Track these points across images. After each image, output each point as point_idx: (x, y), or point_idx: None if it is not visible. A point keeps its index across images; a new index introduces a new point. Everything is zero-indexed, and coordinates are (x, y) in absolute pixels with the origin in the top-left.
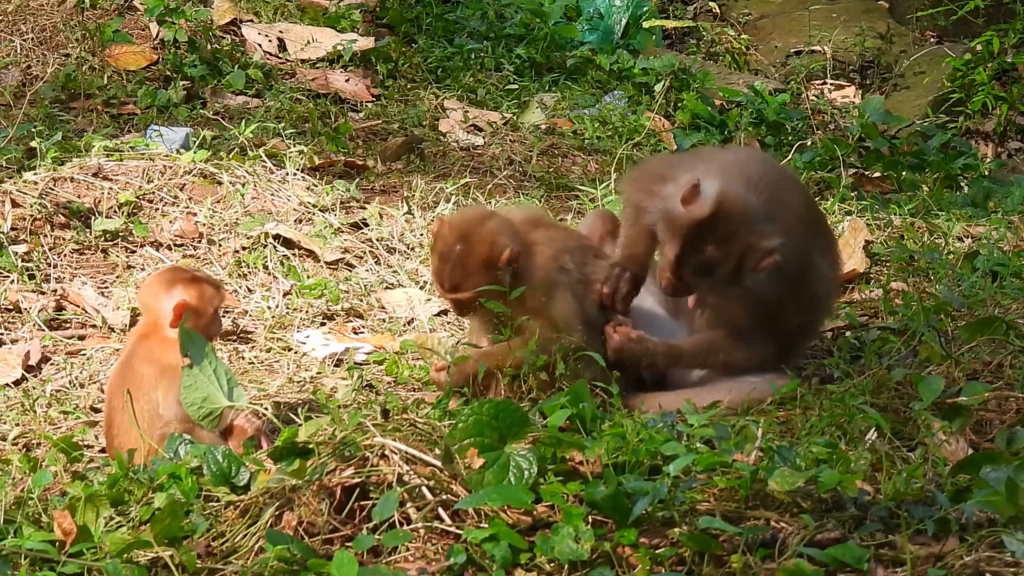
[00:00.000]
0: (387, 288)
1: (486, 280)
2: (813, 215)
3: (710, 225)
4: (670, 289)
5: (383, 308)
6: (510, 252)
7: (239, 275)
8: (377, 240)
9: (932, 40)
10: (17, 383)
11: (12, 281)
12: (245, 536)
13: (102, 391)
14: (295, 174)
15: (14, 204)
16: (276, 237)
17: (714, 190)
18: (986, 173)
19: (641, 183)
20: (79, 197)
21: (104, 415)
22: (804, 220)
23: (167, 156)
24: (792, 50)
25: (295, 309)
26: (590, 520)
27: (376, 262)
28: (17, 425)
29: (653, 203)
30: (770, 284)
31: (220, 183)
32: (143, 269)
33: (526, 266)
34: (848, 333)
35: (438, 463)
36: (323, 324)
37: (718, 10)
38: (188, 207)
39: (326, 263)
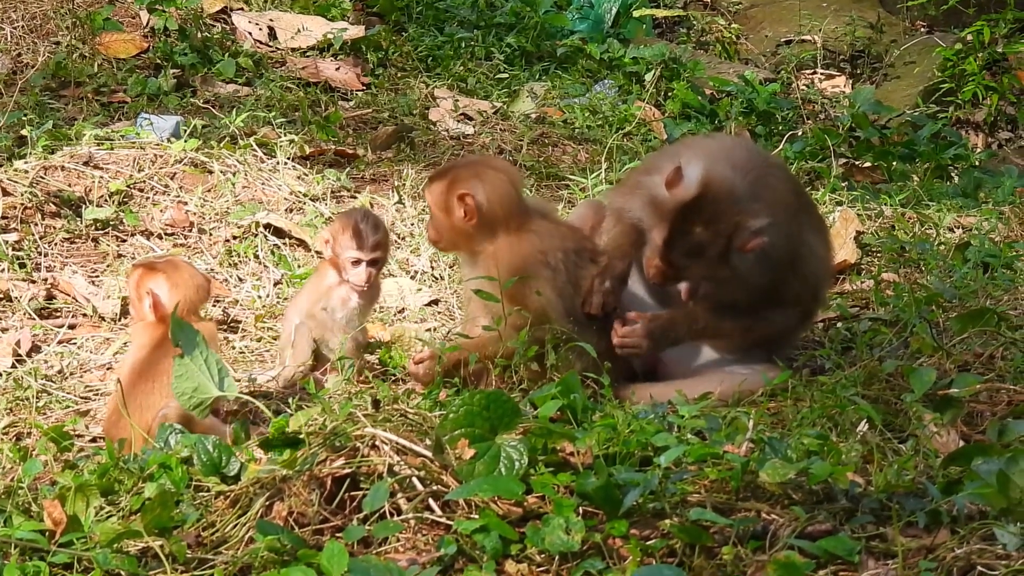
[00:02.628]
0: None
1: (439, 206)
2: (801, 199)
3: (696, 206)
4: (659, 277)
5: None
6: (464, 193)
7: (230, 264)
8: None
9: (923, 30)
10: (7, 372)
11: (3, 270)
12: (235, 526)
13: (98, 379)
14: (285, 163)
15: (5, 192)
16: (267, 226)
17: (698, 172)
18: (976, 163)
19: (624, 187)
20: (70, 186)
21: (113, 401)
22: (792, 203)
23: (158, 145)
24: (783, 39)
25: (286, 299)
26: (581, 511)
27: None
28: (8, 413)
29: (637, 198)
30: (761, 269)
31: (211, 172)
32: (133, 258)
33: (506, 250)
34: (839, 324)
35: (429, 454)
36: None
37: None
38: (179, 196)
39: (316, 252)
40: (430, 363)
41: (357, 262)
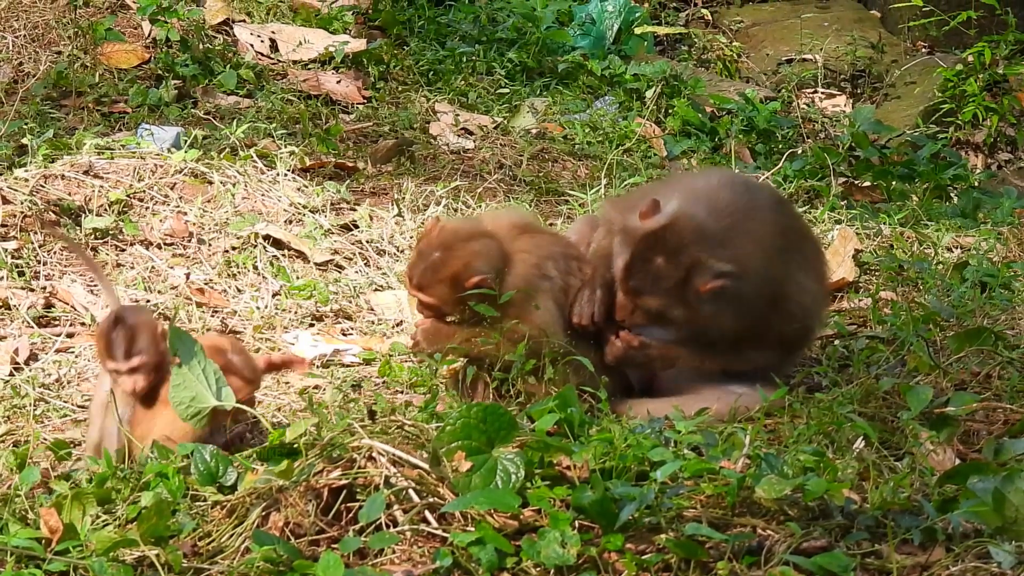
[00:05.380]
0: (376, 290)
1: (450, 293)
2: (790, 239)
3: (660, 237)
4: (624, 315)
5: (372, 310)
6: (479, 280)
7: (228, 275)
8: (367, 242)
9: (923, 50)
10: (5, 380)
11: (1, 278)
12: (231, 536)
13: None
14: (286, 175)
15: (5, 201)
16: (266, 237)
17: (672, 208)
18: (976, 184)
19: (619, 205)
20: (70, 195)
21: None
22: (775, 248)
23: (158, 155)
24: (783, 58)
25: (284, 310)
26: (577, 525)
27: (366, 264)
28: (5, 421)
29: (620, 222)
30: (732, 315)
31: (211, 183)
32: (132, 267)
33: (507, 275)
34: (836, 342)
35: (425, 466)
36: (312, 325)
37: (710, 17)
38: (178, 206)
39: (315, 264)
40: (431, 326)
41: (115, 372)
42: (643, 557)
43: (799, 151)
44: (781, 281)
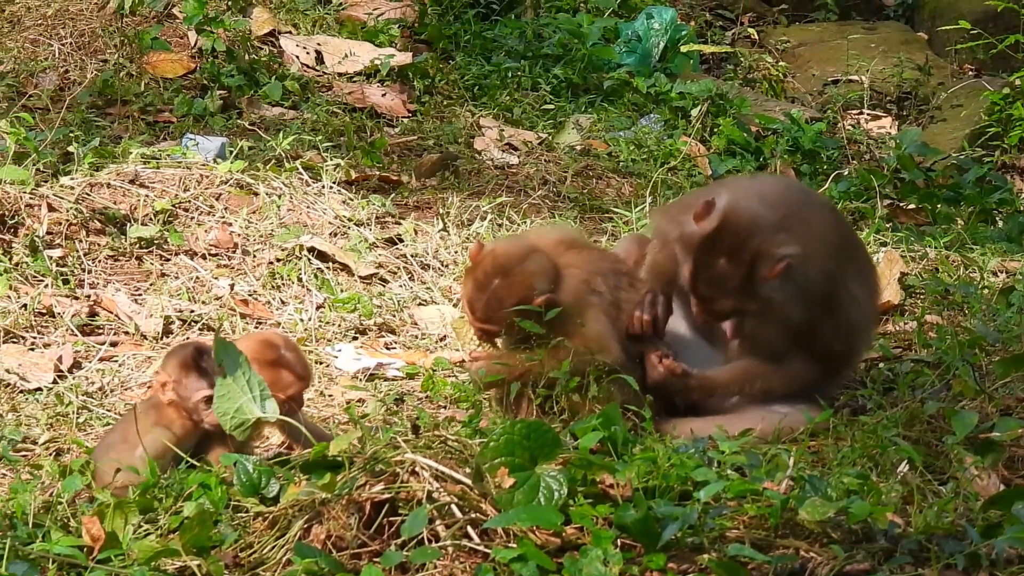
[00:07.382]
0: (420, 304)
1: (515, 316)
2: (845, 241)
3: (718, 237)
4: (700, 316)
5: (416, 324)
6: (545, 299)
7: (272, 287)
8: (411, 256)
9: (970, 73)
10: (49, 387)
11: (46, 285)
12: (273, 548)
13: (139, 398)
14: (331, 187)
15: (50, 208)
16: (311, 250)
17: (723, 204)
18: (1022, 208)
19: (669, 214)
20: (115, 203)
21: None
22: (831, 243)
23: (204, 165)
24: (830, 79)
25: (328, 323)
26: (619, 543)
27: (410, 278)
28: (49, 428)
29: (676, 230)
30: (796, 303)
31: (256, 194)
32: (177, 277)
33: (557, 290)
34: (882, 364)
35: (468, 481)
36: (355, 339)
37: (756, 36)
38: (224, 217)
39: (360, 277)
40: (486, 363)
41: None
42: None
43: (844, 172)
44: (838, 281)
